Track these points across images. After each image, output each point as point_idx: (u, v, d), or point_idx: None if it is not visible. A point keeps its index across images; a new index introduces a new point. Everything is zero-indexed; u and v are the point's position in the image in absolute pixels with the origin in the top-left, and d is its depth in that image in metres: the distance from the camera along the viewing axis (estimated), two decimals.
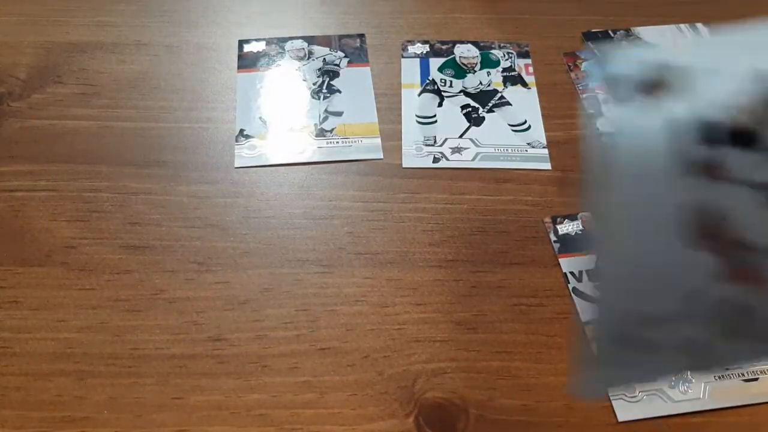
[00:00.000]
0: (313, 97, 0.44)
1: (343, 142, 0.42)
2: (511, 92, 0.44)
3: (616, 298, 0.14)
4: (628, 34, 0.50)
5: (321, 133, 0.42)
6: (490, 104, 0.44)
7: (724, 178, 0.13)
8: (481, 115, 0.43)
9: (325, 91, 0.44)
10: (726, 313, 0.14)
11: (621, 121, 0.13)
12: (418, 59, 0.46)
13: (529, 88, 0.45)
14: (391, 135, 0.42)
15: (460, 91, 0.44)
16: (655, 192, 0.13)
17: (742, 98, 0.13)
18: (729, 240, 0.13)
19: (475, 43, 0.47)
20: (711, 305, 0.13)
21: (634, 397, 0.31)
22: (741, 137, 0.13)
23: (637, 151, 0.13)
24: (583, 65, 0.48)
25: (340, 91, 0.44)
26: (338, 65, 0.46)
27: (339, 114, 0.43)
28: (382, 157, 0.41)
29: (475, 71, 0.45)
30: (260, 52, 0.46)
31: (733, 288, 0.13)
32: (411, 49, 0.47)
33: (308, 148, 0.41)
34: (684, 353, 0.14)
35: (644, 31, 0.50)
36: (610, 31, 0.50)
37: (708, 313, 0.14)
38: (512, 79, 0.45)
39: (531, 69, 0.46)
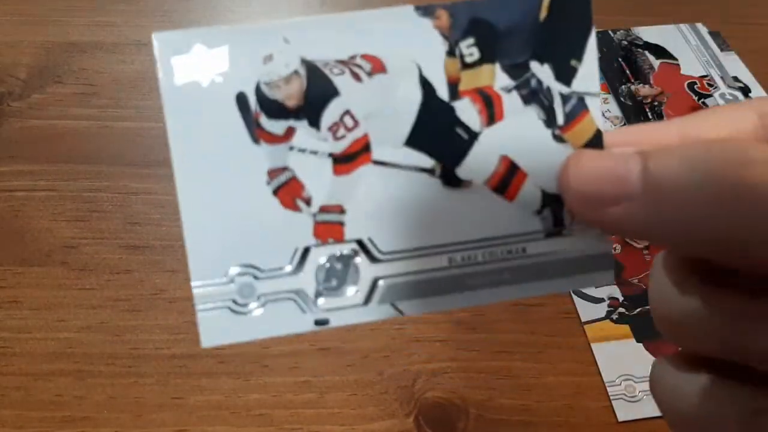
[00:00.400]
0: None
1: None
2: None
3: (231, 256, 0.16)
4: (628, 34, 0.50)
5: None
6: None
7: (293, 146, 0.17)
8: None
9: None
10: (328, 268, 0.17)
11: (195, 102, 0.16)
12: None
13: None
14: None
15: None
16: (244, 162, 0.16)
17: (291, 80, 0.16)
18: (307, 199, 0.17)
19: None
20: (314, 261, 0.17)
21: (634, 397, 0.31)
22: (295, 112, 0.16)
23: (216, 129, 0.16)
24: None
25: None
26: None
27: None
28: None
29: None
30: None
31: (324, 244, 0.17)
32: None
33: None
34: (294, 305, 0.17)
35: (644, 31, 0.50)
36: (609, 32, 0.50)
37: (312, 266, 0.17)
38: None
39: None
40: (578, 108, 0.17)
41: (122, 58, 0.46)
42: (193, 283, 0.16)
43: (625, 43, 0.49)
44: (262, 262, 0.17)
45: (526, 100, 0.17)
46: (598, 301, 0.35)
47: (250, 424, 0.31)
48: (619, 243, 0.37)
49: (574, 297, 0.35)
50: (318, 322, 0.17)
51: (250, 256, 0.17)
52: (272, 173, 0.16)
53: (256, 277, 0.17)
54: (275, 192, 0.16)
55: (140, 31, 0.48)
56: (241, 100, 0.16)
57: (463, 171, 0.17)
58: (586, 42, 0.17)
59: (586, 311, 0.34)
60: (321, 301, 0.17)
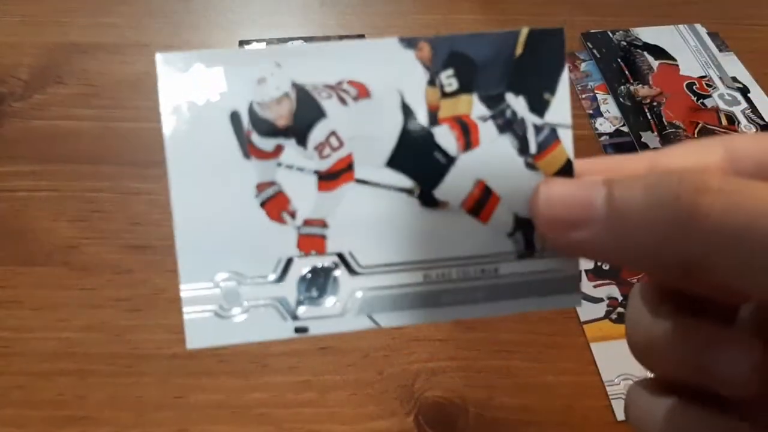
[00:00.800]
0: None
1: None
2: None
3: (218, 262, 0.17)
4: (627, 34, 0.50)
5: None
6: None
7: (281, 163, 0.17)
8: None
9: None
10: (309, 278, 0.18)
11: (192, 117, 0.17)
12: None
13: None
14: None
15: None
16: (235, 176, 0.17)
17: (282, 101, 0.17)
18: (292, 212, 0.18)
19: None
20: (297, 271, 0.18)
21: None
22: (284, 131, 0.17)
23: (210, 143, 0.17)
24: (582, 66, 0.48)
25: None
26: None
27: None
28: None
29: None
30: None
31: (307, 255, 0.18)
32: None
33: None
34: (276, 312, 0.18)
35: (643, 32, 0.50)
36: (609, 32, 0.50)
37: (295, 276, 0.18)
38: None
39: None
40: (550, 138, 0.18)
41: (123, 58, 0.46)
42: (181, 287, 0.17)
43: (624, 43, 0.49)
44: (248, 269, 0.17)
45: (501, 129, 0.18)
46: (597, 300, 0.35)
47: (250, 423, 0.31)
48: None
49: None
50: (298, 330, 0.18)
51: (236, 263, 0.17)
52: (261, 187, 0.17)
53: (241, 284, 0.17)
54: (263, 204, 0.17)
55: (141, 32, 0.48)
56: (235, 118, 0.17)
57: (439, 192, 0.18)
58: (559, 77, 0.18)
59: (586, 311, 0.35)
60: (301, 309, 0.18)
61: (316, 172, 0.18)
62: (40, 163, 0.40)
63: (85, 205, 0.38)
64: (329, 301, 0.18)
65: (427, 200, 0.18)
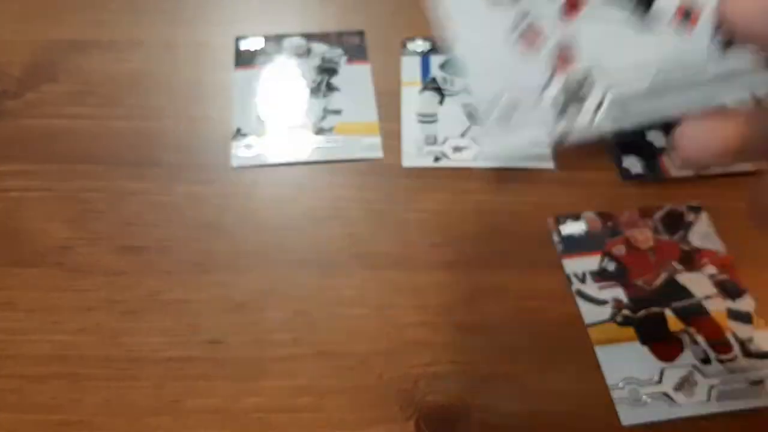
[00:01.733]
0: (311, 95, 0.43)
1: (342, 141, 0.41)
2: None
3: (493, 88, 0.22)
4: None
5: (320, 131, 0.42)
6: None
7: None
8: None
9: (324, 88, 0.44)
10: (564, 94, 0.22)
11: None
12: (418, 57, 0.45)
13: None
14: (391, 134, 0.41)
15: (462, 89, 0.44)
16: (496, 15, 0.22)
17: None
18: (543, 40, 0.22)
19: None
20: (553, 89, 0.22)
21: (639, 400, 0.31)
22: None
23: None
24: None
25: (339, 89, 0.44)
26: (337, 63, 0.45)
27: (338, 112, 0.43)
28: (382, 156, 0.40)
29: None
30: (258, 49, 0.46)
31: (561, 74, 0.22)
32: (411, 46, 0.46)
33: (307, 147, 0.41)
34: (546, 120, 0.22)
35: None
36: None
37: (551, 94, 0.22)
38: None
39: None
40: None
41: (118, 56, 0.45)
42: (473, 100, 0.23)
43: None
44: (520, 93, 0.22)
45: None
46: (601, 303, 0.34)
47: (247, 429, 0.30)
48: (623, 245, 0.37)
49: (578, 299, 0.34)
50: (557, 140, 0.22)
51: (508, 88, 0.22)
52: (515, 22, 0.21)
53: (516, 108, 0.22)
54: (518, 38, 0.22)
55: (136, 29, 0.47)
56: None
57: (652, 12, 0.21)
58: None
59: (590, 313, 0.34)
60: (560, 123, 0.21)
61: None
62: (34, 163, 0.40)
63: (79, 206, 0.38)
64: (584, 109, 0.21)
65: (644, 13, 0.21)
